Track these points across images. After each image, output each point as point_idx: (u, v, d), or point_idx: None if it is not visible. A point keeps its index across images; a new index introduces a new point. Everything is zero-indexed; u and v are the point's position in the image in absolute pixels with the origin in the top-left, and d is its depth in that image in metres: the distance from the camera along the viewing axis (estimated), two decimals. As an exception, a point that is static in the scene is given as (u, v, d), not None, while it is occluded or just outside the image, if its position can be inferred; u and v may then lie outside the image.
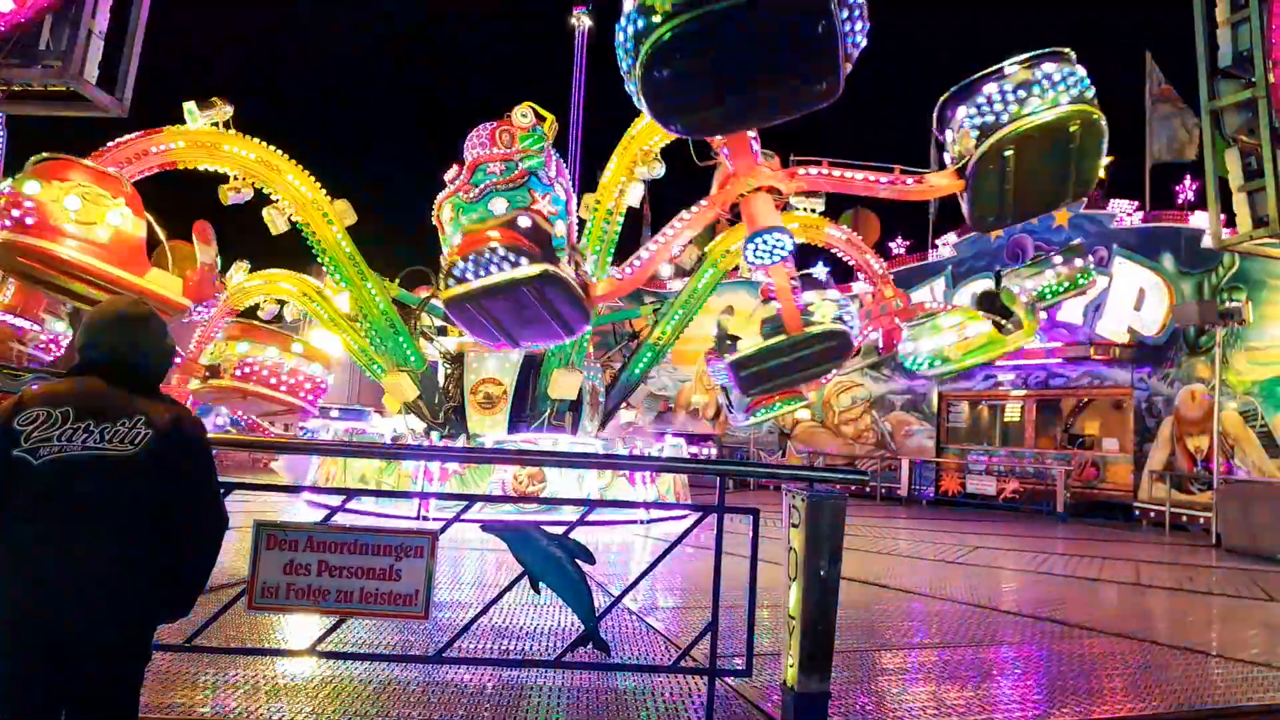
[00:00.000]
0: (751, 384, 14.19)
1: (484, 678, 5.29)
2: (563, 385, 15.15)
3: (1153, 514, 18.09)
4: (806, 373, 14.52)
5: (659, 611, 7.86)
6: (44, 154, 11.16)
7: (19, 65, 11.88)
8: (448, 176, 12.88)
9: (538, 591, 4.58)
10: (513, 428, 15.47)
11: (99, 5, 12.21)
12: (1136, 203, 19.98)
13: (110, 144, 13.23)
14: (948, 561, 11.82)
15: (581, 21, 21.12)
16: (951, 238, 23.76)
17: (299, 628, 6.19)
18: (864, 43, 8.30)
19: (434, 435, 15.61)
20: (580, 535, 4.63)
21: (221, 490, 2.84)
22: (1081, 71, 10.77)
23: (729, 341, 14.49)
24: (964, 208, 11.95)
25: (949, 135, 11.41)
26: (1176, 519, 17.31)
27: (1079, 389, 21.26)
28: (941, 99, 11.44)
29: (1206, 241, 16.69)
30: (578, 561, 4.52)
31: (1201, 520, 16.60)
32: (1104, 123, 10.92)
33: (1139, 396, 19.57)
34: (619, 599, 5.20)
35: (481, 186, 16.16)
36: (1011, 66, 10.78)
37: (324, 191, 14.64)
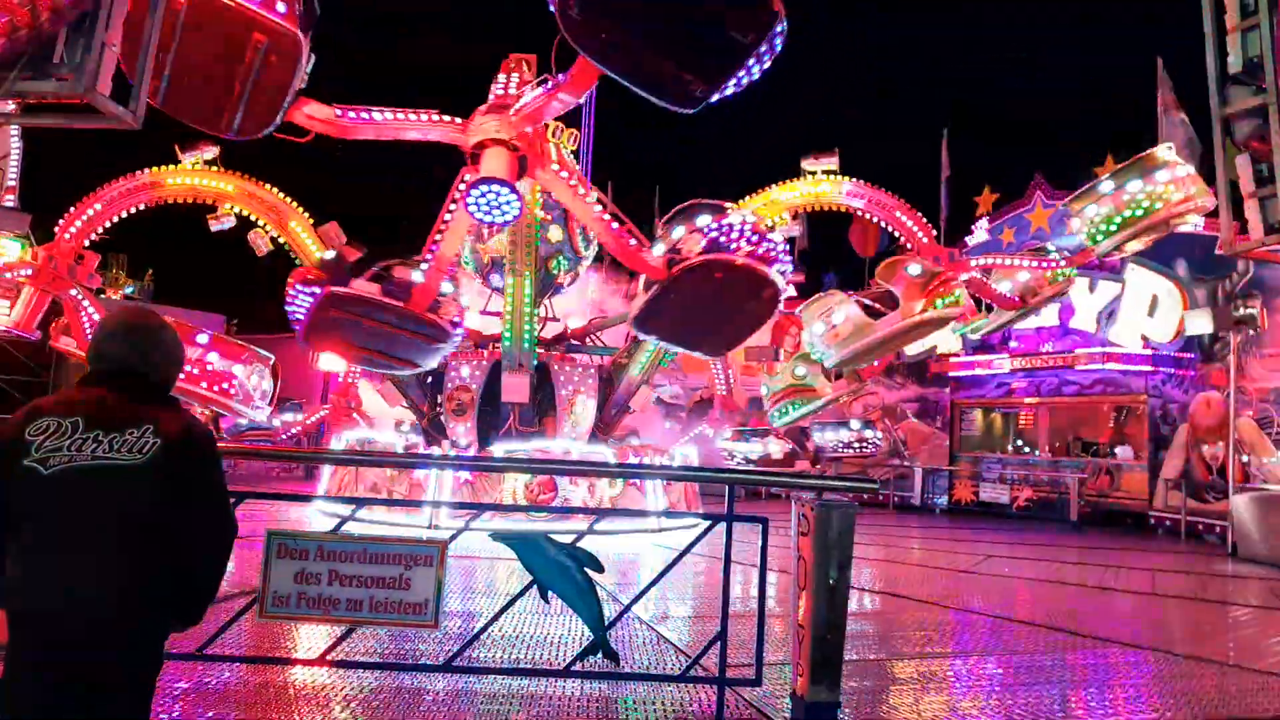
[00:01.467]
0: (330, 328, 12.24)
1: (494, 686, 5.28)
2: (511, 388, 14.77)
3: (1168, 522, 17.92)
4: (386, 355, 12.93)
5: (668, 620, 7.84)
6: (215, 334, 14.40)
7: (34, 78, 12.08)
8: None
9: (547, 600, 4.58)
10: (482, 434, 15.23)
11: (113, 18, 12.39)
12: (1149, 209, 19.83)
13: (98, 189, 14.12)
14: (961, 571, 11.75)
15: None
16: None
17: (309, 637, 6.20)
18: (757, 76, 9.01)
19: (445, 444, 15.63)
20: (589, 544, 4.64)
21: (231, 499, 2.85)
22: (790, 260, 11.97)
23: (341, 266, 12.38)
24: (638, 300, 12.02)
25: (677, 231, 11.59)
26: (1192, 527, 17.14)
27: (1092, 396, 21.12)
28: (693, 201, 11.84)
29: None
30: (587, 570, 4.52)
31: (1217, 529, 16.44)
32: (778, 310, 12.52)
33: (1153, 404, 19.43)
34: (628, 608, 5.20)
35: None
36: (753, 216, 11.92)
37: (306, 214, 14.74)
